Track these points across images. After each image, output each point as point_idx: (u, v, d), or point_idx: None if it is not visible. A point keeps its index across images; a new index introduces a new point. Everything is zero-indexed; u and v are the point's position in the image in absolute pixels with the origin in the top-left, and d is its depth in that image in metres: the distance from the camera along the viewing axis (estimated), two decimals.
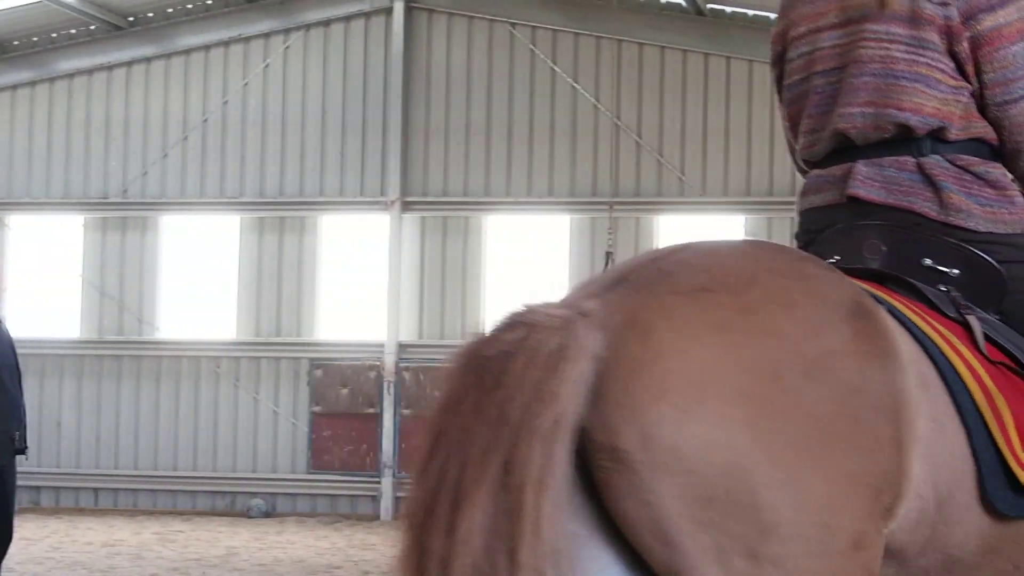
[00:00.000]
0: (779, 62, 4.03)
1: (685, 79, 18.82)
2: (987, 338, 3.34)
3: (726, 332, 2.74)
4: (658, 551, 2.59)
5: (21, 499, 18.58)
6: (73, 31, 20.32)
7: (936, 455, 3.00)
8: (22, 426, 9.51)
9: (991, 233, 3.67)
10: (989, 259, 3.63)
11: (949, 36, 3.71)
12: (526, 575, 2.44)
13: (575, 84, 18.96)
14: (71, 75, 20.39)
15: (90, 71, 20.34)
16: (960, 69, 3.71)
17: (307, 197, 19.67)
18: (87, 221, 20.25)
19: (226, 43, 20.01)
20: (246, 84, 19.88)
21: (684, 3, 18.76)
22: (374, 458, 19.17)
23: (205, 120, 19.95)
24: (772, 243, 3.35)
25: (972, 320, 3.38)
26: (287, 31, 19.85)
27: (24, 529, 16.81)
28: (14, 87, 20.51)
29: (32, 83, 20.47)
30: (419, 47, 19.45)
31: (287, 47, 19.79)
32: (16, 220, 20.40)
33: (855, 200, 3.70)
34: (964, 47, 3.71)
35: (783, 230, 18.47)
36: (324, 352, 19.47)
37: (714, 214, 18.87)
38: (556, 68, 19.03)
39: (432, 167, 19.36)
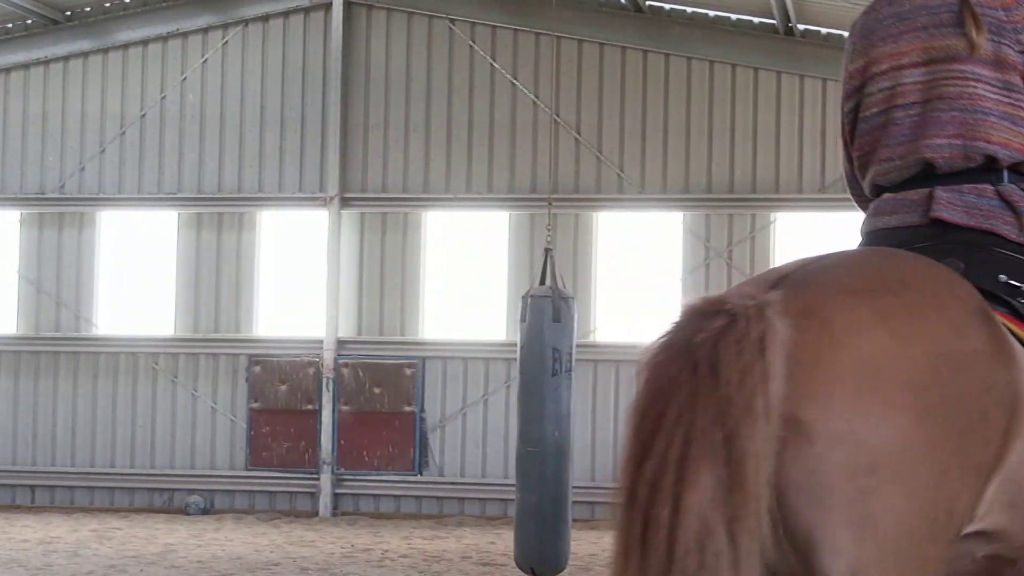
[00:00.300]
0: (855, 94, 4.37)
1: (624, 76, 18.78)
2: None
3: (892, 328, 3.24)
4: (804, 513, 3.02)
5: None
6: (10, 25, 20.14)
7: None
8: None
9: (937, 239, 4.01)
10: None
11: (1016, 70, 4.10)
12: (746, 540, 2.89)
13: (514, 81, 18.90)
14: (7, 70, 20.20)
15: (27, 66, 20.15)
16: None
17: (246, 193, 19.53)
18: (24, 217, 20.06)
19: (164, 38, 19.83)
20: (184, 79, 19.71)
21: (623, 0, 18.65)
22: (313, 455, 19.04)
23: (143, 115, 19.76)
24: (902, 251, 3.79)
25: None
26: (225, 26, 19.72)
27: None
28: None
29: None
30: (358, 43, 19.33)
31: (225, 42, 19.64)
32: None
33: (938, 222, 4.05)
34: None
35: (721, 227, 18.56)
36: (263, 348, 19.35)
37: (653, 210, 18.89)
38: (495, 64, 18.95)
39: (371, 163, 19.25)
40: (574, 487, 12.20)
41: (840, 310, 3.26)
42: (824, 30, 18.43)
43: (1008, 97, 4.14)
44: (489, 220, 19.23)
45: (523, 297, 11.95)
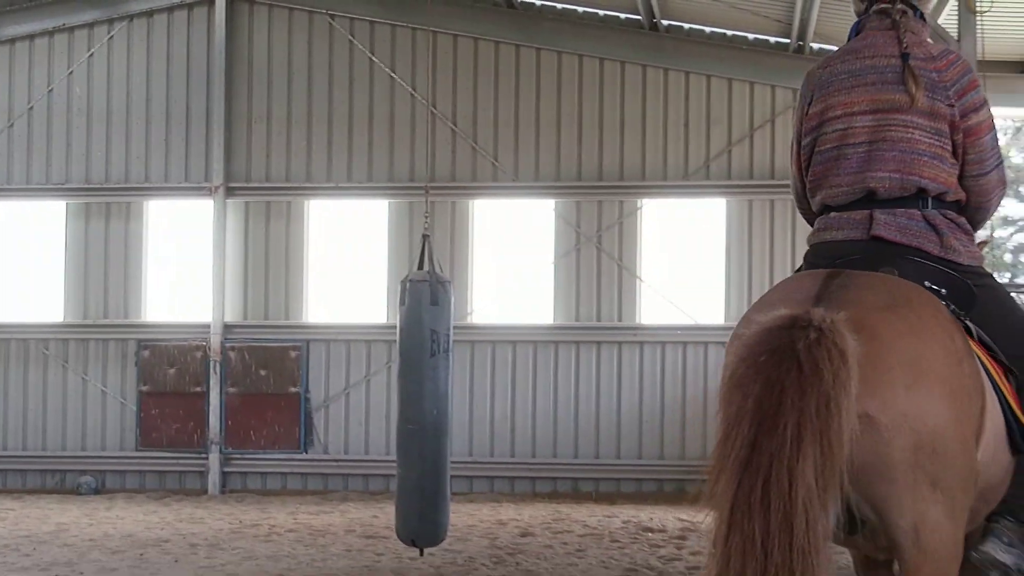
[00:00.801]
0: (813, 132, 5.45)
1: (497, 69, 18.89)
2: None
3: (918, 335, 4.35)
4: (878, 487, 4.15)
5: None
6: None
7: (994, 417, 4.67)
8: None
9: (969, 266, 5.16)
10: (968, 282, 5.09)
11: (952, 128, 5.20)
12: (831, 505, 3.95)
13: (392, 74, 18.93)
14: None
15: None
16: (955, 151, 5.22)
17: (133, 183, 19.42)
18: None
19: (50, 32, 19.65)
20: (71, 73, 19.54)
21: None
22: (201, 435, 19.01)
23: (31, 108, 19.57)
24: (890, 276, 4.87)
25: (970, 324, 4.91)
26: (111, 21, 19.58)
27: None
28: None
29: None
30: (241, 38, 19.27)
31: (111, 37, 19.50)
32: None
33: (877, 238, 5.14)
34: (959, 137, 5.22)
35: (591, 213, 18.74)
36: (151, 333, 19.25)
37: (526, 198, 19.00)
38: (374, 58, 18.98)
39: (255, 154, 19.22)
40: (452, 462, 12.31)
41: (879, 323, 4.33)
42: (687, 25, 18.69)
43: (939, 142, 5.23)
44: (369, 208, 19.24)
45: (402, 281, 12.00)
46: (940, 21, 14.56)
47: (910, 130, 5.33)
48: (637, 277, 18.48)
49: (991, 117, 5.51)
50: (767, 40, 18.62)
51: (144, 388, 19.16)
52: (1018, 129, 39.86)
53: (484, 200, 19.00)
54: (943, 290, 5.11)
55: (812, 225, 5.75)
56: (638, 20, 18.61)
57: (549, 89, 18.80)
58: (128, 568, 12.52)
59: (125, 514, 16.67)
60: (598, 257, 18.60)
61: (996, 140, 5.55)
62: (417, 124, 18.81)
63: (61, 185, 19.49)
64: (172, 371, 19.11)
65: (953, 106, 5.31)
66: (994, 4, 13.05)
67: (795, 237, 18.27)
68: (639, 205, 18.64)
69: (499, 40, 18.86)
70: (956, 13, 12.89)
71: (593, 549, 13.64)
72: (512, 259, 18.88)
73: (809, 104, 5.54)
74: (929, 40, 5.67)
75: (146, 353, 19.15)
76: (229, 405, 18.97)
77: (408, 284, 11.85)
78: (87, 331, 19.34)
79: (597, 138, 18.69)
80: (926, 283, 5.12)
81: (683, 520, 15.66)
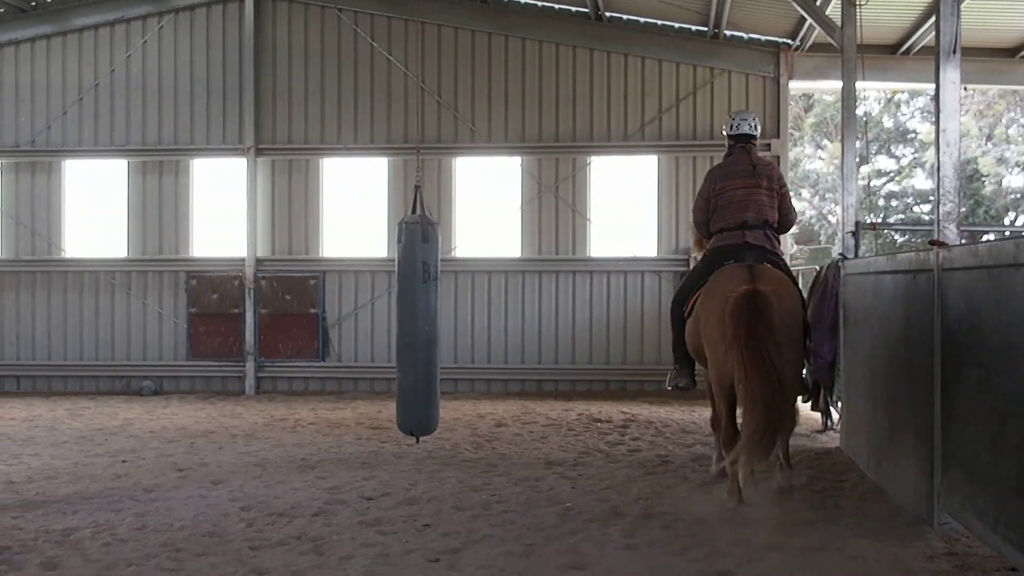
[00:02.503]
0: (716, 196, 9.91)
1: (474, 52, 18.77)
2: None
3: (787, 289, 9.24)
4: (785, 343, 8.79)
5: None
6: None
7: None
8: None
9: (777, 253, 9.70)
10: (782, 261, 9.72)
11: (776, 195, 9.78)
12: (775, 350, 8.40)
13: (390, 57, 18.77)
14: None
15: (1, 46, 19.63)
16: (777, 205, 9.78)
17: (180, 145, 19.25)
18: (4, 165, 19.62)
19: (112, 24, 19.43)
20: (129, 56, 19.33)
21: None
22: (239, 347, 18.98)
23: (97, 85, 19.38)
24: (769, 267, 9.45)
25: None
26: (160, 14, 19.36)
27: None
28: None
29: None
30: (266, 28, 19.08)
31: (160, 27, 19.29)
32: None
33: (747, 243, 9.58)
34: (777, 199, 9.80)
35: (550, 167, 18.71)
36: (198, 266, 19.16)
37: (497, 155, 18.88)
38: (374, 44, 18.82)
39: (279, 121, 19.06)
40: (441, 368, 12.33)
41: (777, 288, 8.91)
42: (625, 16, 18.58)
43: (771, 201, 9.81)
44: (372, 164, 19.09)
45: (399, 223, 11.95)
46: (828, 12, 14.52)
47: (761, 195, 9.85)
48: (587, 219, 18.47)
49: (787, 187, 10.15)
50: (689, 28, 18.54)
51: (192, 310, 19.10)
52: (888, 99, 39.87)
53: (464, 158, 18.87)
54: (780, 263, 9.80)
55: (708, 237, 10.11)
56: (586, 12, 18.52)
57: (515, 68, 18.71)
58: (182, 454, 12.55)
59: (179, 411, 16.70)
60: (556, 203, 18.59)
61: (790, 198, 10.08)
62: (409, 97, 18.74)
63: (123, 147, 19.31)
64: (215, 296, 19.04)
65: (773, 188, 9.93)
66: None
67: None
68: (588, 161, 18.61)
69: (475, 29, 18.72)
70: (840, 5, 12.83)
71: (553, 436, 13.71)
72: (487, 205, 18.86)
73: (713, 185, 10.05)
74: (760, 154, 10.24)
75: (193, 282, 19.07)
76: (261, 323, 18.94)
77: (404, 225, 11.81)
78: (146, 264, 19.24)
79: (554, 107, 18.63)
80: (770, 260, 9.65)
81: (625, 412, 15.75)
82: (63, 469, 11.53)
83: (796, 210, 9.89)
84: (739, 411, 8.66)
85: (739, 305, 8.31)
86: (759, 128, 10.19)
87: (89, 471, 11.40)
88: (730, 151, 10.08)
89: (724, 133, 10.31)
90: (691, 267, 11.84)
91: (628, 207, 18.65)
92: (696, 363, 10.06)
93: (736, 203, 9.70)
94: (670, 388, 10.49)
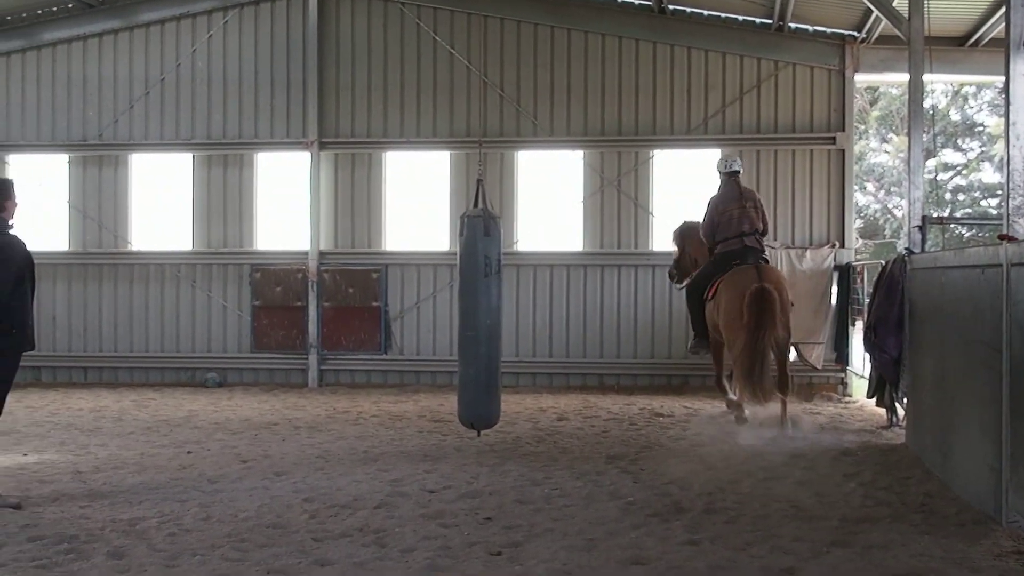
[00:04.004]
0: (719, 216, 13.99)
1: (536, 46, 18.73)
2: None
3: (783, 283, 13.44)
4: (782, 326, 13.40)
5: (26, 376, 18.44)
6: (55, 8, 19.88)
7: None
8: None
9: (765, 252, 14.38)
10: (767, 259, 14.29)
11: (757, 208, 14.05)
12: (773, 336, 13.05)
13: (452, 50, 18.80)
14: (55, 44, 19.91)
15: (69, 40, 19.87)
16: (762, 218, 14.07)
17: (245, 139, 19.39)
18: (72, 158, 19.83)
19: (177, 18, 19.60)
20: (195, 51, 19.49)
21: None
22: (302, 340, 19.09)
23: (163, 79, 19.55)
24: (770, 267, 14.07)
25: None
26: (225, 9, 19.51)
27: (28, 400, 16.71)
28: (8, 54, 19.99)
29: (23, 50, 19.99)
30: (330, 22, 19.18)
31: (226, 22, 19.43)
32: (15, 159, 19.95)
33: (747, 246, 13.76)
34: (760, 214, 14.06)
35: (612, 161, 18.65)
36: (262, 259, 19.30)
37: (559, 149, 18.84)
38: (437, 38, 18.85)
39: (342, 115, 19.14)
40: (503, 361, 12.35)
41: (777, 285, 13.17)
42: (689, 9, 18.48)
43: (758, 215, 13.99)
44: (434, 158, 19.12)
45: (461, 217, 11.98)
46: (895, 4, 14.36)
47: (750, 212, 13.87)
48: (649, 213, 18.40)
49: (762, 207, 14.13)
50: (753, 21, 18.40)
51: (256, 303, 19.24)
52: (956, 92, 39.38)
53: (526, 151, 18.84)
54: (762, 261, 13.74)
55: (713, 247, 14.16)
56: (649, 5, 18.43)
57: (578, 62, 18.66)
58: (246, 445, 12.66)
59: (242, 403, 16.84)
60: (618, 197, 18.53)
61: (765, 214, 14.19)
62: (472, 90, 18.75)
63: (188, 140, 19.48)
64: (278, 289, 19.16)
65: (757, 207, 13.97)
66: None
67: (776, 178, 18.19)
68: (651, 155, 18.54)
69: (537, 23, 18.69)
70: None
71: (615, 431, 13.69)
72: (549, 199, 18.85)
73: (716, 208, 14.01)
74: (744, 184, 14.36)
75: (257, 275, 19.21)
76: (324, 316, 19.03)
77: (466, 219, 11.84)
78: (210, 257, 19.41)
79: (616, 101, 18.57)
80: (764, 259, 13.88)
81: (687, 407, 15.68)
82: (129, 459, 11.67)
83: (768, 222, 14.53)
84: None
85: (753, 298, 12.79)
86: (742, 166, 14.54)
87: (155, 461, 11.52)
88: (725, 183, 14.23)
89: (719, 171, 14.36)
90: (678, 266, 15.64)
91: (690, 200, 18.55)
92: (710, 335, 14.21)
93: (734, 220, 13.93)
94: (693, 353, 15.00)
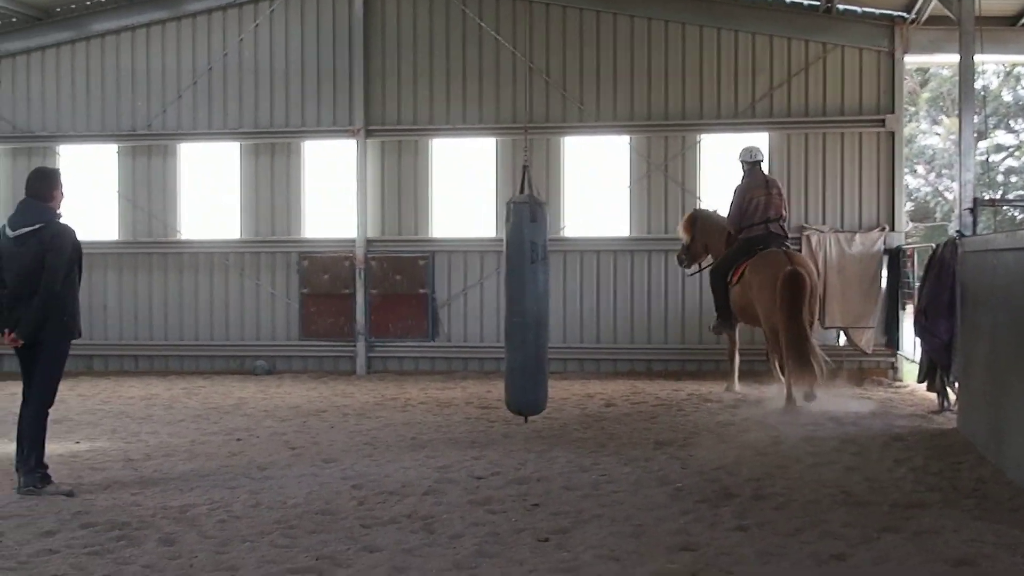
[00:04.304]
0: (748, 202, 14.84)
1: (582, 31, 18.70)
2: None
3: (811, 267, 14.46)
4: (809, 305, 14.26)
5: (78, 365, 18.59)
6: (103, 0, 19.95)
7: None
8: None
9: (788, 239, 15.31)
10: (787, 246, 15.04)
11: (783, 198, 15.10)
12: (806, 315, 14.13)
13: (498, 36, 18.78)
14: (103, 35, 20.04)
15: (118, 31, 20.01)
16: (784, 202, 15.04)
17: (292, 127, 19.45)
18: (121, 148, 19.98)
19: (224, 8, 19.69)
20: (241, 40, 19.57)
21: None
22: (350, 327, 19.16)
23: (210, 69, 19.65)
24: (796, 252, 15.39)
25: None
26: None
27: (81, 388, 16.87)
28: (57, 45, 20.14)
29: (72, 42, 20.13)
30: (376, 9, 19.21)
31: (272, 11, 19.48)
32: (65, 149, 20.10)
33: (771, 232, 14.72)
34: (781, 200, 15.00)
35: (658, 146, 18.60)
36: (309, 247, 19.38)
37: (605, 134, 18.80)
38: (483, 24, 18.83)
39: (388, 102, 19.19)
40: (550, 347, 12.34)
41: (807, 268, 14.15)
42: None
43: (781, 202, 14.95)
44: (480, 144, 19.12)
45: (507, 203, 11.98)
46: None
47: (774, 199, 14.80)
48: (697, 198, 18.31)
49: (782, 190, 15.18)
50: (801, 3, 18.26)
51: (304, 290, 19.31)
52: (1007, 72, 38.90)
53: (572, 136, 18.81)
54: (787, 246, 14.88)
55: (738, 231, 14.98)
56: None
57: (624, 46, 18.59)
58: (294, 432, 12.73)
59: (291, 390, 16.92)
60: (665, 182, 18.46)
61: (785, 200, 15.24)
62: (517, 76, 18.75)
63: (236, 129, 19.57)
64: (326, 277, 19.22)
65: (782, 194, 15.05)
66: None
67: (824, 162, 18.06)
68: (697, 139, 18.45)
69: (583, 8, 18.62)
70: None
71: (663, 416, 13.65)
72: (595, 184, 18.81)
73: (743, 193, 14.84)
74: (767, 173, 15.50)
75: (305, 263, 19.28)
76: (371, 303, 19.08)
77: (512, 205, 11.83)
78: (258, 246, 19.51)
79: (663, 85, 18.49)
80: (786, 246, 14.86)
81: (735, 393, 15.61)
82: (180, 447, 11.77)
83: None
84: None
85: (787, 280, 13.66)
86: (764, 155, 15.56)
87: (205, 449, 11.62)
88: (749, 171, 15.07)
89: (743, 160, 15.18)
90: (688, 252, 16.44)
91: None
92: (733, 316, 15.22)
93: (760, 207, 14.79)
94: (716, 334, 16.25)
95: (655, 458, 10.71)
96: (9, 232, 9.41)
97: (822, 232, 17.69)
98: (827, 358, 14.08)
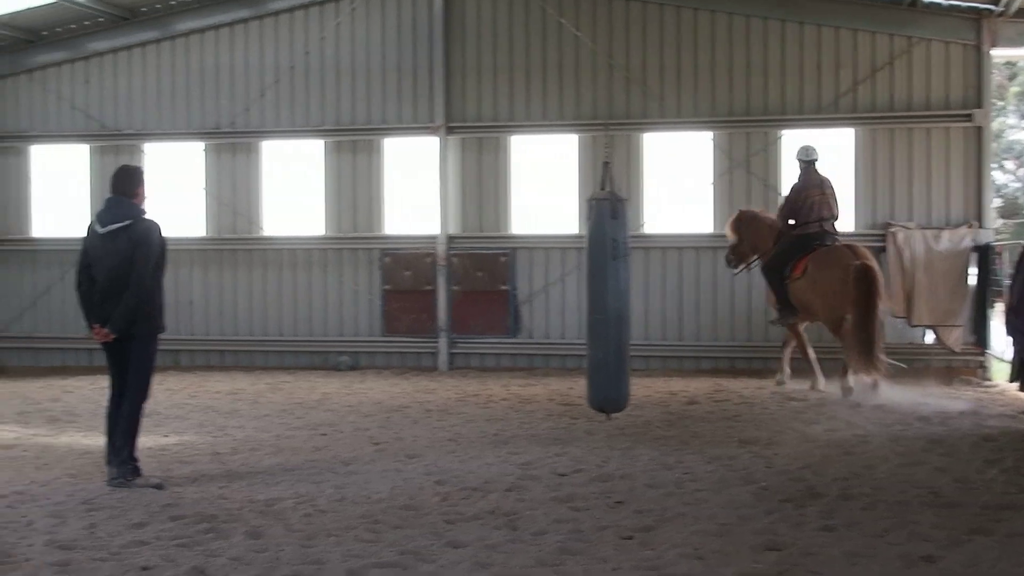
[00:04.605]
0: (800, 201, 15.30)
1: (662, 27, 18.61)
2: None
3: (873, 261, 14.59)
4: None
5: (165, 360, 18.83)
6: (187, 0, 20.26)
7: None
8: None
9: (827, 236, 15.35)
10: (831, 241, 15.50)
11: (835, 197, 15.46)
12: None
13: (578, 33, 18.74)
14: (188, 34, 20.27)
15: (202, 30, 20.21)
16: (836, 203, 15.47)
17: (373, 124, 19.57)
18: (207, 146, 20.21)
19: (306, 6, 19.83)
20: (323, 38, 19.71)
21: None
22: (432, 324, 19.24)
23: (292, 67, 19.82)
24: (859, 245, 15.35)
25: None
26: None
27: (168, 382, 17.13)
28: (143, 44, 20.40)
29: (158, 41, 20.36)
30: (456, 5, 19.27)
31: (353, 9, 19.60)
32: (151, 147, 20.34)
33: (825, 230, 15.22)
34: (833, 197, 15.41)
35: (741, 142, 18.49)
36: (391, 244, 19.50)
37: (686, 130, 18.73)
38: (563, 21, 18.80)
39: (469, 99, 19.24)
40: (632, 344, 12.32)
41: (873, 262, 14.43)
42: None
43: (836, 203, 15.39)
44: (561, 141, 19.11)
45: (588, 200, 12.00)
46: None
47: (828, 199, 15.28)
48: (780, 194, 18.13)
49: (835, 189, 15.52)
50: None
51: (387, 287, 19.41)
52: None
53: (653, 133, 18.73)
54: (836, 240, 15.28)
55: (787, 229, 15.47)
56: None
57: (705, 42, 18.49)
58: (377, 428, 12.83)
59: (374, 386, 17.05)
60: (747, 178, 18.33)
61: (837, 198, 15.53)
62: (598, 72, 18.71)
63: (318, 127, 19.72)
64: (408, 273, 19.32)
65: (835, 194, 15.37)
66: None
67: (911, 157, 17.83)
68: (780, 135, 18.28)
69: (663, 3, 18.53)
70: None
71: (747, 415, 13.57)
72: (677, 180, 18.72)
73: (798, 192, 15.30)
74: (821, 172, 15.47)
75: (387, 259, 19.39)
76: (453, 300, 19.16)
77: (593, 202, 11.85)
78: (342, 242, 19.63)
79: (744, 80, 18.35)
80: (835, 238, 15.30)
81: (820, 391, 15.46)
82: (265, 441, 11.90)
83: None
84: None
85: (859, 275, 14.03)
86: (819, 154, 15.58)
87: (290, 443, 11.74)
88: (805, 170, 15.42)
89: (799, 159, 15.56)
90: (735, 252, 16.51)
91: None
92: (794, 309, 15.44)
93: (815, 206, 15.20)
94: (779, 325, 16.24)
95: (739, 456, 10.64)
96: (99, 228, 9.59)
97: (908, 229, 17.46)
98: (889, 360, 14.73)
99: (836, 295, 14.37)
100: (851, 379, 14.59)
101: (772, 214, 16.34)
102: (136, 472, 9.59)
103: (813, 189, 15.22)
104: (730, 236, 16.47)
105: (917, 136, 17.84)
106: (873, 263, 14.44)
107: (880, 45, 17.96)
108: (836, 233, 15.44)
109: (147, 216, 9.76)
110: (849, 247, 14.88)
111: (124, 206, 9.68)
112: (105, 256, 9.53)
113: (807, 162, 15.45)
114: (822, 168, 15.59)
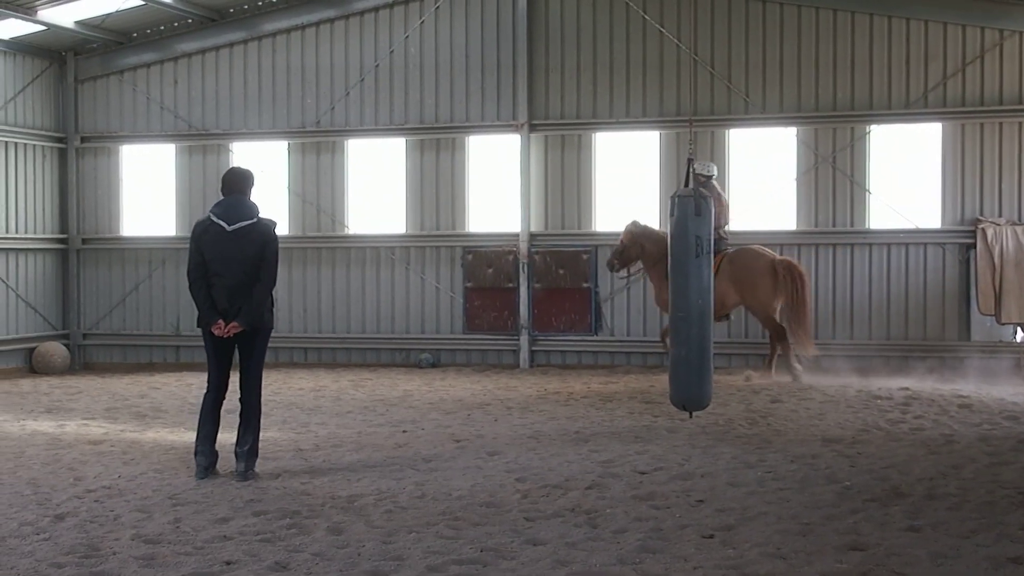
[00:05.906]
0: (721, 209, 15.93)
1: (747, 22, 18.47)
2: None
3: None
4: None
5: None
6: (273, 0, 20.36)
7: None
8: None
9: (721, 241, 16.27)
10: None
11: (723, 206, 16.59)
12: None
13: (661, 28, 18.66)
14: (274, 34, 20.45)
15: (288, 31, 20.38)
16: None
17: (456, 122, 19.65)
18: (291, 145, 20.40)
19: (391, 5, 19.92)
20: (407, 37, 19.79)
21: None
22: (513, 321, 19.27)
23: (377, 65, 19.92)
24: (752, 248, 16.61)
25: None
26: None
27: None
28: (231, 45, 20.63)
29: (245, 41, 20.58)
30: (539, 4, 19.26)
31: (437, 7, 19.66)
32: (238, 146, 20.63)
33: (723, 236, 16.44)
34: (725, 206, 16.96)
35: (826, 137, 18.32)
36: (473, 241, 19.56)
37: (772, 127, 18.57)
38: (647, 17, 18.71)
39: (552, 96, 19.23)
40: (714, 342, 12.23)
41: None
42: None
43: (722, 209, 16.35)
44: (644, 138, 19.04)
45: (671, 196, 11.92)
46: None
47: (725, 210, 16.58)
48: (866, 190, 17.92)
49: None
50: None
51: (468, 284, 19.48)
52: None
53: (737, 129, 18.60)
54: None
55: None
56: None
57: (790, 36, 18.30)
58: (459, 425, 12.87)
59: (455, 383, 17.10)
60: (833, 174, 18.12)
61: None
62: (681, 68, 18.57)
63: (401, 125, 19.82)
64: (490, 271, 19.37)
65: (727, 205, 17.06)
66: None
67: (1001, 152, 17.53)
68: (867, 130, 18.05)
69: None
70: None
71: (831, 413, 13.42)
72: (761, 177, 18.57)
73: (718, 201, 15.80)
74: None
75: (469, 257, 19.46)
76: (535, 297, 19.17)
77: (676, 199, 11.77)
78: (423, 240, 19.72)
79: (831, 75, 18.15)
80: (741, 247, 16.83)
81: (905, 389, 15.23)
82: (347, 438, 11.99)
83: None
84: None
85: (787, 266, 16.13)
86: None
87: (372, 440, 11.82)
88: (706, 184, 15.62)
89: (702, 174, 15.70)
90: (620, 257, 17.02)
91: (910, 177, 18.03)
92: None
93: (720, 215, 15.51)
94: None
95: (822, 455, 10.53)
96: (226, 227, 9.77)
97: (998, 225, 17.15)
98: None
99: (765, 289, 16.17)
100: (796, 363, 16.35)
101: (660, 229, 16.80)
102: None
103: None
104: (625, 241, 16.97)
105: (1008, 130, 17.52)
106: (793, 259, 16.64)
107: (970, 38, 17.66)
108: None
109: (261, 215, 10.01)
110: (757, 248, 16.69)
111: (247, 205, 10.01)
112: (234, 253, 9.75)
113: (708, 176, 16.20)
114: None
